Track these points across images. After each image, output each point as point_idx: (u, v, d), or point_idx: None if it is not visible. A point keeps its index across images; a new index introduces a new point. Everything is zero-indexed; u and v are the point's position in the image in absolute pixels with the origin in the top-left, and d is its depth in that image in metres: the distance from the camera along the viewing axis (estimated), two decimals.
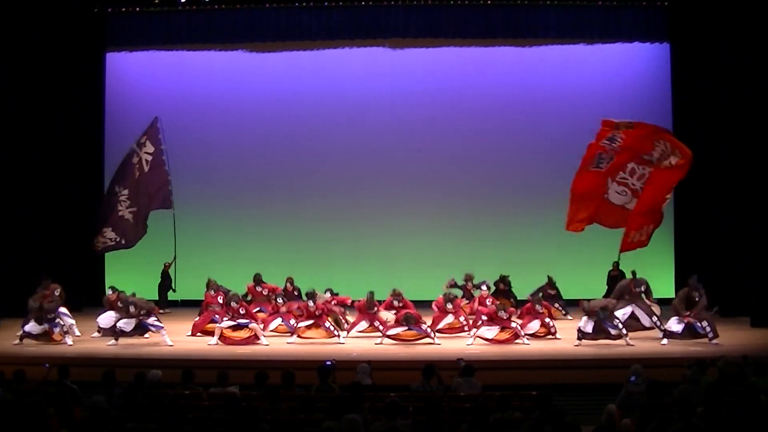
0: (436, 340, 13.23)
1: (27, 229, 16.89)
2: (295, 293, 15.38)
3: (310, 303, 13.52)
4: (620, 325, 12.76)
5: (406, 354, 12.32)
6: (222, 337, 13.28)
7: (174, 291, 17.47)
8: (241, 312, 13.35)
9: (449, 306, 13.94)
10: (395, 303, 14.18)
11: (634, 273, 14.05)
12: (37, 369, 10.09)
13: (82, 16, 18.03)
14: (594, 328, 12.71)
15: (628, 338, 12.78)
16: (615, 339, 12.74)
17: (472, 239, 18.20)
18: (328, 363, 9.42)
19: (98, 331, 14.02)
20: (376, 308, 13.88)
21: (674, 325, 12.86)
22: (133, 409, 7.66)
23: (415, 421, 7.11)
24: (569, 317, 15.84)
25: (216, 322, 13.75)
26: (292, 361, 11.41)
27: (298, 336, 13.46)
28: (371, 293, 13.98)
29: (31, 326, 13.20)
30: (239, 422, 6.88)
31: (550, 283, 16.19)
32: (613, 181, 13.62)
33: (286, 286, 15.38)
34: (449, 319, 13.79)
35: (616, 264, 16.08)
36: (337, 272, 17.16)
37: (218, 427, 7.15)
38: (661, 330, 13.14)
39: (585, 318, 12.83)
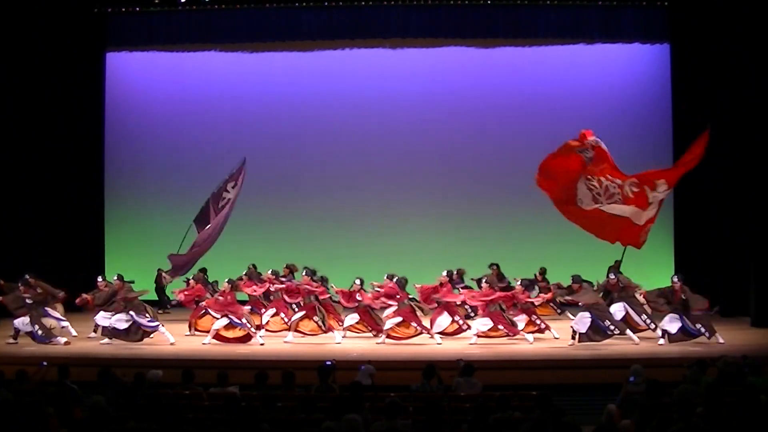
0: (438, 339, 13.23)
1: (27, 229, 16.89)
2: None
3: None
4: (612, 327, 12.70)
5: (406, 354, 12.32)
6: (216, 336, 13.33)
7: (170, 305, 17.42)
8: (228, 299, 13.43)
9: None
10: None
11: (618, 263, 14.09)
12: (38, 369, 10.08)
13: (82, 16, 18.02)
14: (590, 328, 12.69)
15: (633, 335, 12.78)
16: (611, 338, 12.73)
17: (473, 239, 18.21)
18: (328, 363, 9.42)
19: (94, 330, 13.95)
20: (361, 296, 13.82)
21: (668, 324, 12.83)
22: (132, 409, 7.66)
23: (415, 421, 7.11)
24: (570, 315, 15.84)
25: (210, 314, 13.85)
26: (292, 361, 11.41)
27: (295, 330, 13.48)
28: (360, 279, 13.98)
29: (20, 321, 13.15)
30: (239, 422, 6.88)
31: (542, 276, 16.03)
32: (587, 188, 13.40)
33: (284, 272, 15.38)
34: (446, 321, 13.68)
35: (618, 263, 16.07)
36: (338, 272, 17.08)
37: (218, 427, 7.16)
38: (653, 330, 13.14)
39: (580, 314, 12.80)
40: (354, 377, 9.34)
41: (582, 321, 12.71)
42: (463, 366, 9.27)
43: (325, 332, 13.54)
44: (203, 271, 16.23)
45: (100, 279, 14.14)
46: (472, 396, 8.68)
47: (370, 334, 13.78)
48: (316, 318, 13.55)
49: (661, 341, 12.78)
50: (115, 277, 13.62)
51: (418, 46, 18.65)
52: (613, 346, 12.63)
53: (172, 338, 13.27)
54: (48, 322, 13.43)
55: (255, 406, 7.10)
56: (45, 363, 10.22)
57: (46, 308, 13.47)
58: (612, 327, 12.66)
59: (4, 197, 16.68)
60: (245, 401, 7.87)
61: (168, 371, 9.68)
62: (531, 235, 18.08)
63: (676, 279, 13.02)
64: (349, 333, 13.78)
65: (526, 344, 13.02)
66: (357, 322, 13.77)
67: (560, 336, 13.52)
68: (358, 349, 12.57)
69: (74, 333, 13.85)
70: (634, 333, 13.11)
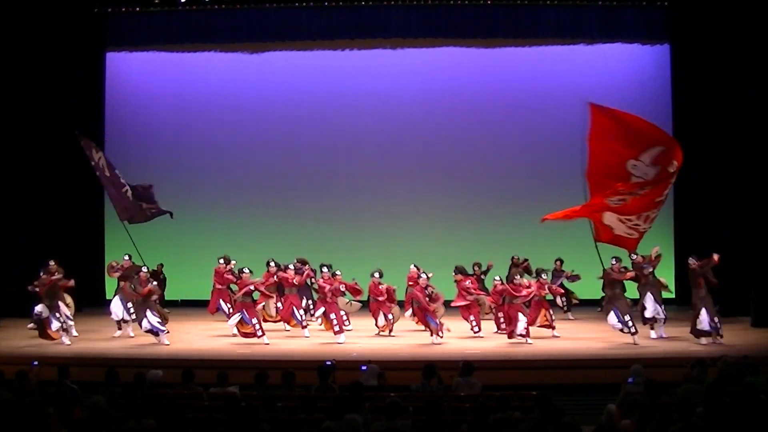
0: (436, 340, 13.24)
1: (27, 229, 16.88)
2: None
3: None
4: (630, 324, 12.77)
5: (406, 354, 12.33)
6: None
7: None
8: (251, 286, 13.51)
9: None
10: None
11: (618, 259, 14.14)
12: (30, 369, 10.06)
13: (82, 16, 18.03)
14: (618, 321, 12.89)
15: (636, 338, 12.81)
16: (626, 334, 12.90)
17: (474, 238, 18.22)
18: (328, 363, 9.43)
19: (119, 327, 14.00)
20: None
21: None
22: (132, 409, 7.66)
23: (415, 421, 7.11)
24: (570, 316, 15.87)
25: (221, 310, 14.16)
26: (292, 361, 11.42)
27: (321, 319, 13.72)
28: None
29: (41, 307, 13.28)
30: (239, 422, 6.88)
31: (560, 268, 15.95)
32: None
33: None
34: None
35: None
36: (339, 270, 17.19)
37: (218, 427, 7.16)
38: (664, 322, 13.29)
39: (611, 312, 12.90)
40: (353, 377, 9.32)
41: (612, 320, 12.86)
42: (463, 366, 9.26)
43: (336, 333, 13.49)
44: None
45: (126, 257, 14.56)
46: (472, 396, 8.68)
47: (372, 334, 13.82)
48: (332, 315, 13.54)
49: (704, 340, 12.76)
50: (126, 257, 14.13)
51: (418, 46, 18.66)
52: (612, 346, 12.65)
53: (167, 341, 13.31)
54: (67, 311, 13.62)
55: (255, 406, 7.10)
56: (36, 362, 10.27)
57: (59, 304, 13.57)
58: (630, 324, 12.75)
59: (4, 197, 16.67)
60: (245, 401, 7.87)
61: (168, 371, 9.68)
62: (533, 233, 18.02)
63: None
64: (349, 333, 13.84)
65: (526, 344, 13.02)
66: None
67: (562, 335, 13.56)
68: (358, 349, 12.57)
69: (75, 333, 13.87)
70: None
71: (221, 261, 14.77)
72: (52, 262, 13.83)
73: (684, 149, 17.66)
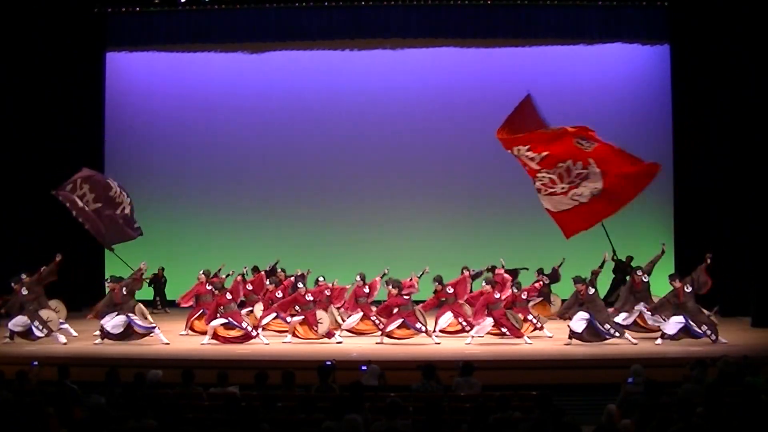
0: (436, 339, 13.23)
1: (27, 229, 16.88)
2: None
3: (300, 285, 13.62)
4: (612, 330, 12.70)
5: (406, 354, 12.32)
6: (215, 336, 13.28)
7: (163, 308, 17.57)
8: (228, 297, 13.31)
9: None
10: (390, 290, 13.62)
11: (630, 258, 13.95)
12: (29, 369, 10.07)
13: (82, 16, 18.05)
14: (585, 329, 12.71)
15: (630, 337, 12.78)
16: (607, 341, 12.73)
17: (472, 238, 18.23)
18: (328, 363, 9.43)
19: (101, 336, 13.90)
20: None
21: (668, 327, 12.80)
22: (132, 409, 7.66)
23: (415, 421, 7.11)
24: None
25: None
26: (292, 361, 11.41)
27: (293, 335, 13.46)
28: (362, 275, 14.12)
29: (14, 323, 13.20)
30: (239, 422, 6.89)
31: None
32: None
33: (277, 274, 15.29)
34: (449, 318, 13.76)
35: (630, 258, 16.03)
36: (336, 271, 17.17)
37: (218, 427, 7.17)
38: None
39: (579, 314, 12.80)
40: (353, 377, 9.32)
41: (579, 321, 12.73)
42: (462, 365, 9.26)
43: (326, 336, 13.46)
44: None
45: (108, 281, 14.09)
46: (472, 396, 8.68)
47: (371, 334, 13.82)
48: (315, 327, 13.43)
49: (659, 341, 12.76)
50: (108, 281, 13.74)
51: (418, 46, 18.67)
52: (612, 346, 12.64)
53: (165, 339, 13.27)
54: (45, 314, 13.42)
55: (255, 406, 7.10)
56: (36, 363, 10.27)
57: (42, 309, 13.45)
58: (611, 330, 12.66)
59: (4, 197, 16.67)
60: (245, 401, 7.87)
61: (168, 371, 9.68)
62: (532, 234, 18.05)
63: (677, 282, 12.87)
64: (347, 333, 13.83)
65: (526, 344, 13.02)
66: (359, 322, 13.83)
67: (554, 335, 13.55)
68: (358, 349, 12.57)
69: (74, 333, 13.85)
70: (646, 333, 13.15)
71: (201, 275, 14.44)
72: (24, 276, 13.62)
73: (684, 149, 17.79)
